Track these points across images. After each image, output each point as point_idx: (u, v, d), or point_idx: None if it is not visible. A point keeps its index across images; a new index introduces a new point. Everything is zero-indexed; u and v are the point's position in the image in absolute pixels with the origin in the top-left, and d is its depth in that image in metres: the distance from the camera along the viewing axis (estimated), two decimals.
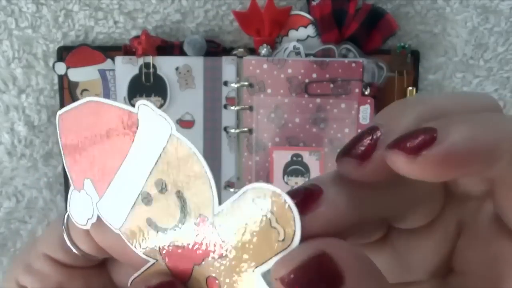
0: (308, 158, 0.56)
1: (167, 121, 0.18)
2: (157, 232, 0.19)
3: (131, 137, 0.19)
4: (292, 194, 0.16)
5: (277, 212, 0.16)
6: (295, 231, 0.16)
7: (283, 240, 0.16)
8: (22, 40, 0.57)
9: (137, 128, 0.19)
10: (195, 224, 0.18)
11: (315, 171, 0.56)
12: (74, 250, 0.23)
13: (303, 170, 0.56)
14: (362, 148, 0.17)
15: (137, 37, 0.56)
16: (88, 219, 0.21)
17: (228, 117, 0.57)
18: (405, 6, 0.57)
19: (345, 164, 0.17)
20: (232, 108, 0.57)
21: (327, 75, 0.55)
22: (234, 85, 0.56)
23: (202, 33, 0.57)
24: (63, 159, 0.21)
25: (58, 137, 0.21)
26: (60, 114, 0.21)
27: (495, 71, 0.58)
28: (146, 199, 0.19)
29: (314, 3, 0.55)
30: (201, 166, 0.18)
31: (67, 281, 0.24)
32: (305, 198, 0.16)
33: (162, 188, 0.19)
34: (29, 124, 0.58)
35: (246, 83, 0.56)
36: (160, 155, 0.18)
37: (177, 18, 0.57)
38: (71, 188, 0.21)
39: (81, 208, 0.21)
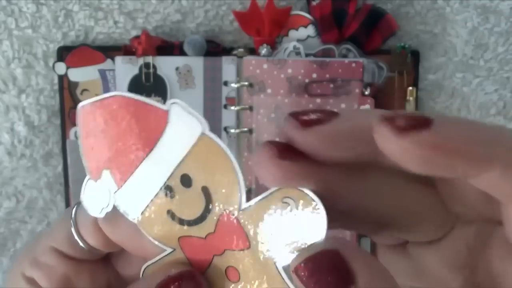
0: None
1: (200, 121, 0.19)
2: (177, 223, 0.20)
3: (159, 133, 0.20)
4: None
5: (304, 212, 0.17)
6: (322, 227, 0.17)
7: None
8: (22, 40, 0.57)
9: (166, 124, 0.19)
10: (219, 218, 0.19)
11: None
12: (81, 244, 0.23)
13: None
14: (310, 116, 0.17)
15: (137, 37, 0.56)
16: (103, 208, 0.21)
17: (228, 117, 0.57)
18: (405, 6, 0.57)
19: (288, 123, 0.17)
20: (232, 108, 0.57)
21: (327, 75, 0.55)
22: (234, 85, 0.56)
23: (202, 33, 0.57)
24: (80, 149, 0.21)
25: (78, 127, 0.21)
26: (82, 106, 0.21)
27: (495, 71, 0.58)
28: (169, 192, 0.20)
29: (314, 3, 0.55)
30: (231, 165, 0.19)
31: (74, 274, 0.24)
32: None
33: (188, 183, 0.19)
34: (29, 124, 0.58)
35: (246, 83, 0.56)
36: (189, 151, 0.19)
37: (177, 18, 0.57)
38: (87, 177, 0.21)
39: (96, 197, 0.21)
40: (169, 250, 0.21)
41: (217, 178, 0.19)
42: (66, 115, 0.57)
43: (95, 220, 0.23)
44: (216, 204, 0.19)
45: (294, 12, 0.56)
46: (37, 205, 0.60)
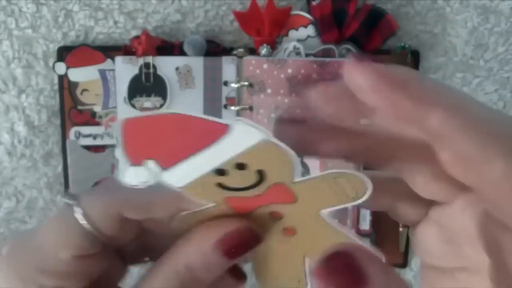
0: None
1: (265, 133, 0.20)
2: (225, 190, 0.21)
3: (214, 140, 0.20)
4: None
5: (356, 186, 0.20)
6: (366, 189, 0.20)
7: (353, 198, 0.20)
8: (22, 40, 0.57)
9: (225, 133, 0.20)
10: (270, 186, 0.21)
11: (315, 171, 0.56)
12: (101, 239, 0.24)
13: (303, 169, 0.56)
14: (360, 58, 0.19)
15: (137, 37, 0.56)
16: (144, 181, 0.22)
17: (228, 117, 0.57)
18: (405, 6, 0.57)
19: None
20: (232, 108, 0.57)
21: (327, 75, 0.55)
22: (234, 85, 0.56)
23: (202, 33, 0.57)
24: (118, 144, 0.21)
25: (118, 133, 0.21)
26: (127, 119, 0.21)
27: (495, 71, 0.58)
28: (220, 172, 0.21)
29: (314, 3, 0.55)
30: (287, 157, 0.20)
31: (91, 269, 0.25)
32: None
33: (241, 167, 0.21)
34: (29, 124, 0.58)
35: (246, 83, 0.56)
36: (249, 148, 0.20)
37: (177, 18, 0.57)
38: (127, 163, 0.22)
39: (138, 175, 0.22)
40: (211, 204, 0.22)
41: (274, 165, 0.20)
42: (66, 115, 0.57)
43: (116, 212, 0.23)
44: (270, 179, 0.20)
45: (294, 12, 0.56)
46: (37, 205, 0.60)
